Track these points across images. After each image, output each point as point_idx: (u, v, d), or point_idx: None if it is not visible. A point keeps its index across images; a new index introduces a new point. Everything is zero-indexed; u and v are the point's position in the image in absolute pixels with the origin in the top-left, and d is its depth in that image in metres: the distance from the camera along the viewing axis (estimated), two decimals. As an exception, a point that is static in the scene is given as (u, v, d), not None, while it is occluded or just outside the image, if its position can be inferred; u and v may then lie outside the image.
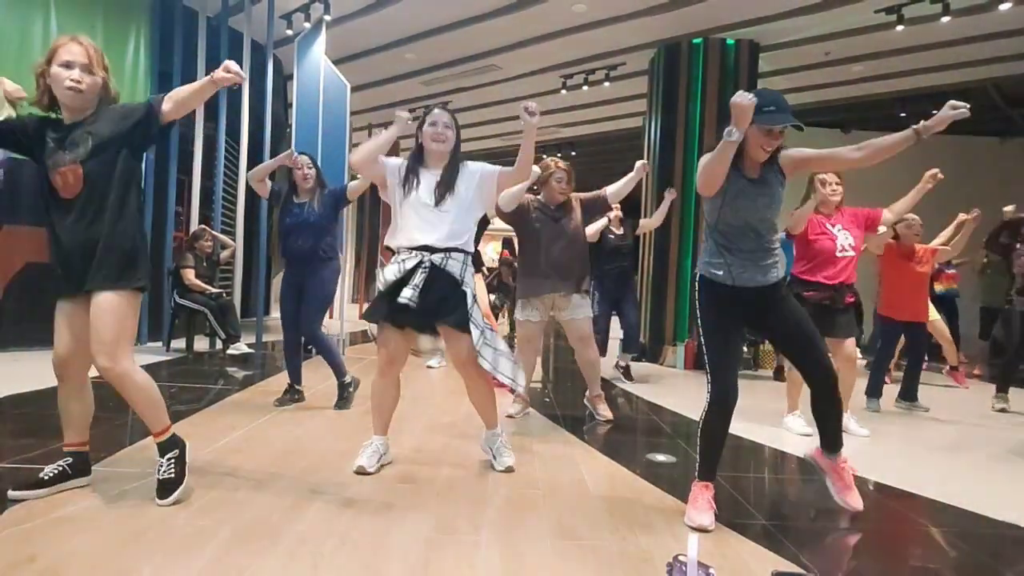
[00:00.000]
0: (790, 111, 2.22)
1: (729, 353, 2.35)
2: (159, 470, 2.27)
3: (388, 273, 2.68)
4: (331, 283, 3.99)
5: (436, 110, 2.78)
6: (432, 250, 2.65)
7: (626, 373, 5.67)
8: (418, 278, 2.59)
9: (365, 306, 12.25)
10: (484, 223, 6.53)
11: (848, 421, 3.90)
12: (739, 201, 2.28)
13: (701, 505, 2.28)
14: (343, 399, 3.98)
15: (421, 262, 2.62)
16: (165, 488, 2.23)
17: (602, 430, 3.79)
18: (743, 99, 2.06)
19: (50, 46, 2.19)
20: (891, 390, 5.03)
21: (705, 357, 2.34)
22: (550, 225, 3.83)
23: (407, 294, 2.56)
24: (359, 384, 4.06)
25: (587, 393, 4.12)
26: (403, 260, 2.66)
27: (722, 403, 2.30)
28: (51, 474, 2.26)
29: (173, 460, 2.28)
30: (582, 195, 3.95)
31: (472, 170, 2.77)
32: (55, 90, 2.16)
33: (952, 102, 2.15)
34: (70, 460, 2.32)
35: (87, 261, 2.16)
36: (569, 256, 3.81)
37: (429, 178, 2.71)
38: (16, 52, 5.55)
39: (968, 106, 2.12)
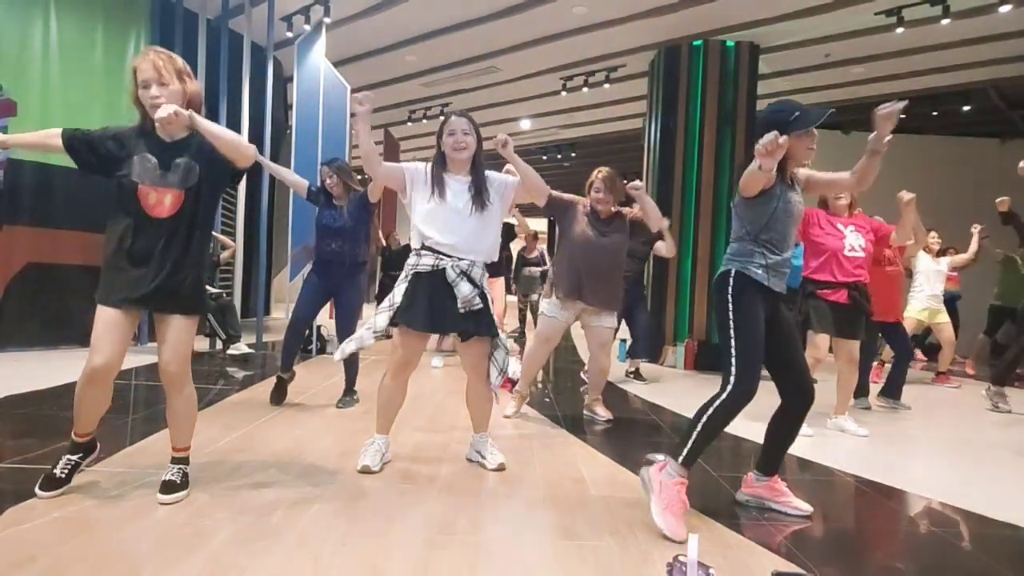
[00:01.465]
0: (811, 109, 2.30)
1: (760, 349, 2.33)
2: (167, 473, 2.32)
3: (412, 273, 2.69)
4: (363, 291, 4.17)
5: (453, 117, 2.75)
6: (460, 258, 2.67)
7: (636, 375, 5.66)
8: (465, 286, 2.62)
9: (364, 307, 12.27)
10: (510, 235, 6.54)
11: (846, 422, 3.91)
12: (787, 206, 2.34)
13: (678, 511, 2.19)
14: (349, 396, 4.03)
15: (452, 267, 2.63)
16: (169, 487, 2.27)
17: (602, 430, 3.78)
18: (771, 138, 2.02)
19: (132, 68, 2.24)
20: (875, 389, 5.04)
21: (734, 355, 2.29)
22: (597, 237, 3.76)
23: (477, 303, 2.61)
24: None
25: (587, 398, 4.12)
26: (429, 264, 2.66)
27: (744, 397, 2.27)
28: (66, 471, 2.31)
29: (183, 471, 2.36)
30: (636, 213, 3.87)
31: (494, 180, 2.79)
32: (147, 108, 2.20)
33: (881, 106, 2.22)
34: (80, 454, 2.37)
35: (161, 282, 2.20)
36: (609, 271, 3.77)
37: (456, 186, 2.71)
38: (16, 52, 5.56)
39: (903, 103, 2.19)
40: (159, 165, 2.21)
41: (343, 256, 3.90)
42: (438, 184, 2.69)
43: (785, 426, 2.48)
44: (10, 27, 5.54)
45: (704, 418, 2.29)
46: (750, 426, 3.74)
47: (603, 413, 4.00)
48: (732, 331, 2.32)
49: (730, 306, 2.34)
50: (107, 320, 2.20)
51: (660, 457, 2.39)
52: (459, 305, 2.62)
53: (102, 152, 2.24)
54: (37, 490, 2.22)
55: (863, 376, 4.77)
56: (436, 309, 2.64)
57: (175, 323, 2.25)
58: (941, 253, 6.29)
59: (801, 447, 3.37)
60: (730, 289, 2.36)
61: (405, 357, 2.75)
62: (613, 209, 3.83)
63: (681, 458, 2.28)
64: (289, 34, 7.19)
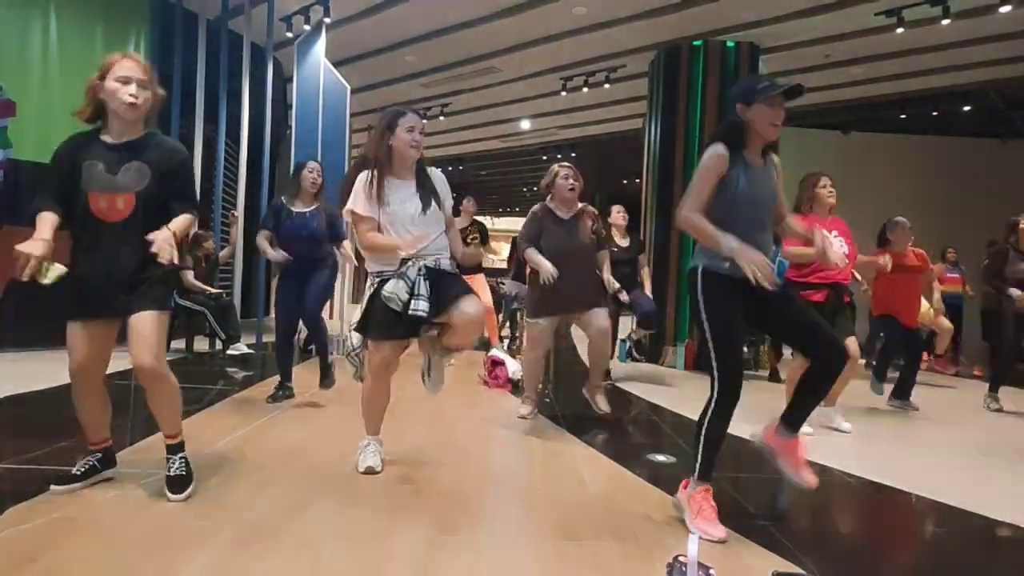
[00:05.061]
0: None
1: (736, 346, 2.30)
2: (170, 467, 2.32)
3: (388, 289, 2.54)
4: (332, 277, 4.16)
5: (409, 114, 2.64)
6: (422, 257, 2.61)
7: (637, 346, 5.53)
8: (418, 286, 2.52)
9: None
10: (485, 236, 6.48)
11: (834, 414, 3.91)
12: (750, 188, 2.26)
13: (709, 515, 2.21)
14: (328, 378, 4.07)
15: (417, 268, 2.54)
16: (178, 483, 2.28)
17: (602, 430, 3.78)
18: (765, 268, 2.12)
19: (104, 62, 2.24)
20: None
21: (712, 352, 2.26)
22: (561, 235, 3.73)
23: (421, 306, 2.47)
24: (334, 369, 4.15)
25: (587, 383, 4.00)
26: (394, 273, 2.57)
27: (730, 398, 2.24)
28: (83, 469, 2.34)
29: (184, 459, 2.35)
30: (595, 217, 3.88)
31: (439, 181, 2.73)
32: (111, 103, 2.21)
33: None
34: (99, 456, 2.39)
35: (123, 285, 2.20)
36: (581, 269, 3.72)
37: (403, 188, 2.63)
38: (16, 53, 5.56)
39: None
40: (107, 168, 2.20)
41: (309, 258, 3.91)
42: (384, 190, 2.58)
43: (812, 383, 2.36)
44: (10, 27, 5.54)
45: (704, 429, 2.27)
46: (749, 426, 3.75)
47: (602, 405, 3.90)
48: (708, 334, 2.28)
49: (702, 307, 2.31)
50: (75, 331, 2.23)
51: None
52: (413, 307, 2.49)
53: (66, 186, 2.22)
54: (52, 484, 2.26)
55: (883, 367, 4.80)
56: (390, 317, 2.54)
57: (141, 317, 2.20)
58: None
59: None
60: (699, 288, 2.32)
61: (383, 362, 2.65)
62: (573, 196, 3.81)
63: (696, 473, 2.29)
64: (289, 34, 7.19)
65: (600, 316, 3.79)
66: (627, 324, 5.82)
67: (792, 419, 2.40)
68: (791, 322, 2.34)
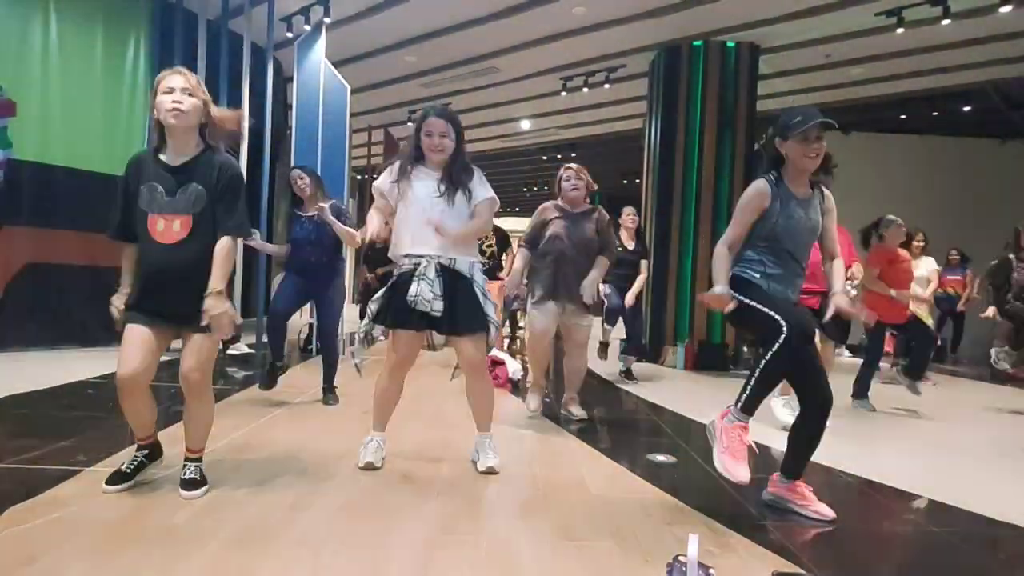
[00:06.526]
0: (819, 113, 2.29)
1: (788, 303, 2.33)
2: (185, 471, 2.36)
3: (411, 293, 2.61)
4: (344, 290, 4.21)
5: (431, 117, 2.68)
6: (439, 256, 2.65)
7: (628, 374, 5.68)
8: (435, 285, 2.59)
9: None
10: (506, 242, 6.49)
11: (782, 407, 3.91)
12: (787, 222, 2.34)
13: (738, 453, 2.18)
14: (330, 395, 4.08)
15: (428, 264, 2.62)
16: (192, 484, 2.32)
17: (602, 430, 3.78)
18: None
19: (155, 81, 2.29)
20: (884, 389, 5.04)
21: (766, 310, 2.23)
22: (568, 226, 3.78)
23: (437, 307, 2.58)
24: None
25: (564, 396, 4.10)
26: (409, 266, 2.67)
27: (798, 339, 2.17)
28: (132, 466, 2.39)
29: (199, 467, 2.40)
30: (605, 218, 3.91)
31: (475, 188, 2.73)
32: (160, 116, 2.24)
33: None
34: (146, 452, 2.44)
35: (185, 298, 2.25)
36: (583, 262, 3.74)
37: (431, 184, 2.68)
38: (16, 53, 5.56)
39: None
40: (166, 192, 2.26)
41: (319, 264, 3.95)
42: (412, 184, 2.68)
43: (804, 430, 2.41)
44: (10, 27, 5.53)
45: (763, 366, 2.23)
46: (759, 426, 3.75)
47: (577, 412, 3.96)
48: (755, 306, 2.26)
49: (743, 299, 2.31)
50: (132, 337, 2.26)
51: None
52: (407, 299, 2.58)
53: (132, 208, 2.29)
54: (104, 484, 2.29)
55: (867, 378, 4.78)
56: (402, 306, 2.62)
57: (201, 336, 2.29)
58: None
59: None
60: (737, 290, 2.34)
61: (400, 357, 2.75)
62: (587, 204, 3.89)
63: (740, 403, 2.27)
64: (289, 34, 7.19)
65: (581, 331, 3.89)
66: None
67: (794, 467, 2.47)
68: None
